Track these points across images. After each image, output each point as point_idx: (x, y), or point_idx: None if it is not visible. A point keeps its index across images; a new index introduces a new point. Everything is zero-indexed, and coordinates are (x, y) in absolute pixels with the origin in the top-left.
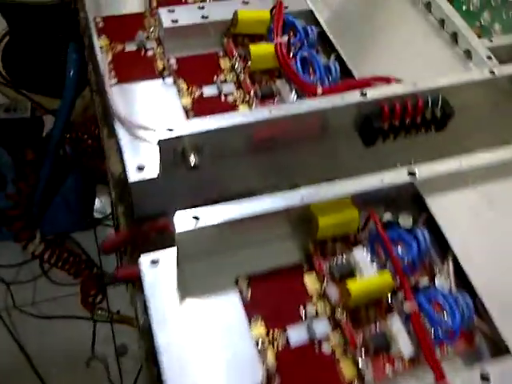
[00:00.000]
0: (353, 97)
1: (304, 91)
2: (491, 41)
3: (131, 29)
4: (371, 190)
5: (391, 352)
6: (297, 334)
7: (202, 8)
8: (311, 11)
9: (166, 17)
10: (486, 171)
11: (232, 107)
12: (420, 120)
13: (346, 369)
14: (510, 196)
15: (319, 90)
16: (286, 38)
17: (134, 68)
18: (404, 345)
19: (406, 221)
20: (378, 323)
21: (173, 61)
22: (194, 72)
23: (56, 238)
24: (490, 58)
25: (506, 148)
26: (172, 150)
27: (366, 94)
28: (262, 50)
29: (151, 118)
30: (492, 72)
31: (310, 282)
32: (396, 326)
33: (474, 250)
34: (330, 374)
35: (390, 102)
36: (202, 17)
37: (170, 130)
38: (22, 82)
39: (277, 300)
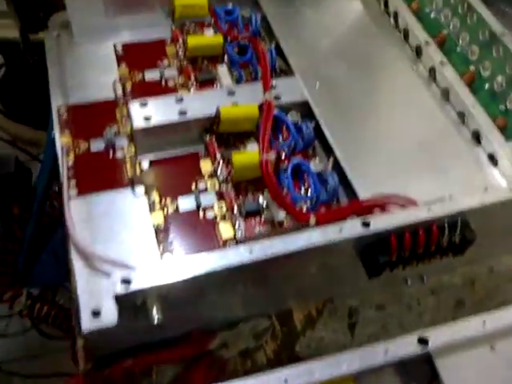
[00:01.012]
0: (353, 228)
1: (294, 219)
2: None
3: (99, 121)
4: (373, 366)
5: None
6: None
7: (181, 100)
8: (307, 102)
9: (138, 113)
10: None
11: (212, 225)
12: (435, 248)
13: None
14: None
15: (312, 220)
16: (273, 155)
17: (100, 174)
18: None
19: None
20: None
21: (145, 164)
22: (169, 178)
23: (45, 290)
24: None
25: None
26: (131, 304)
27: (368, 225)
28: (246, 160)
29: (114, 244)
30: None
31: None
32: None
33: None
34: None
35: (398, 231)
36: (180, 113)
37: (127, 281)
38: (18, 114)
39: None
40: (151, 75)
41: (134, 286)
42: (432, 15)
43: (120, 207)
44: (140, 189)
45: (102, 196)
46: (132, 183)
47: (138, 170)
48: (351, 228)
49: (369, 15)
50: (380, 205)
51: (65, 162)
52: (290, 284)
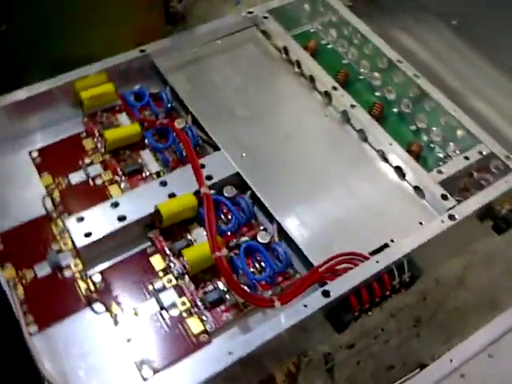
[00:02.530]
0: (316, 301)
1: (259, 307)
2: (441, 172)
3: (38, 243)
4: None
5: None
6: None
7: (116, 205)
8: (239, 174)
9: (77, 230)
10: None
11: (180, 323)
12: (389, 292)
13: None
14: None
15: (277, 304)
16: (225, 251)
17: (54, 300)
18: None
19: None
20: None
21: (97, 277)
22: (125, 287)
23: None
24: (445, 197)
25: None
26: None
27: (328, 294)
28: (198, 254)
29: (90, 372)
30: (452, 217)
31: None
32: None
33: None
34: None
35: (355, 290)
36: (119, 219)
37: None
38: None
39: None
40: (77, 177)
41: None
42: (330, 48)
43: (85, 331)
44: (99, 306)
45: (64, 324)
46: (89, 302)
47: (91, 285)
48: (314, 302)
49: (273, 68)
50: (334, 267)
51: (15, 298)
52: (267, 355)
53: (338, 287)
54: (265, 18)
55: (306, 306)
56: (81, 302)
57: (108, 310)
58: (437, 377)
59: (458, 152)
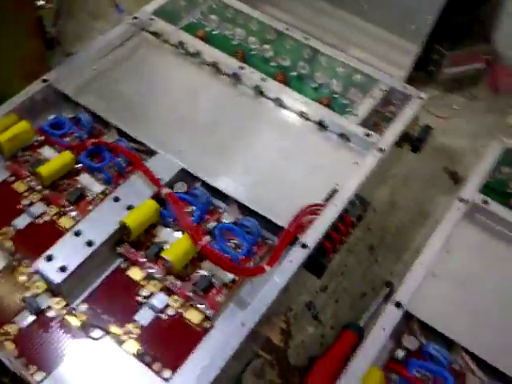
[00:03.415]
0: (298, 255)
1: (253, 276)
2: (356, 115)
3: (9, 297)
4: None
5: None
6: None
7: (79, 234)
8: (184, 169)
9: (50, 269)
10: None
11: (178, 319)
12: (351, 227)
13: None
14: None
15: (267, 268)
16: (207, 238)
17: (49, 343)
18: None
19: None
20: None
21: (83, 307)
22: (114, 306)
23: None
24: (368, 134)
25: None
26: None
27: (306, 245)
28: (179, 251)
29: None
30: (381, 150)
31: None
32: None
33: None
34: None
35: (327, 235)
36: (88, 244)
37: None
38: None
39: None
40: (22, 221)
41: None
42: (217, 33)
43: (92, 360)
44: (97, 332)
45: (68, 361)
46: (86, 331)
47: (81, 316)
48: (296, 255)
49: (174, 64)
50: (300, 223)
51: (8, 355)
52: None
53: (313, 237)
54: (151, 19)
55: (291, 261)
56: (77, 335)
57: (107, 332)
58: (417, 283)
59: (360, 95)
